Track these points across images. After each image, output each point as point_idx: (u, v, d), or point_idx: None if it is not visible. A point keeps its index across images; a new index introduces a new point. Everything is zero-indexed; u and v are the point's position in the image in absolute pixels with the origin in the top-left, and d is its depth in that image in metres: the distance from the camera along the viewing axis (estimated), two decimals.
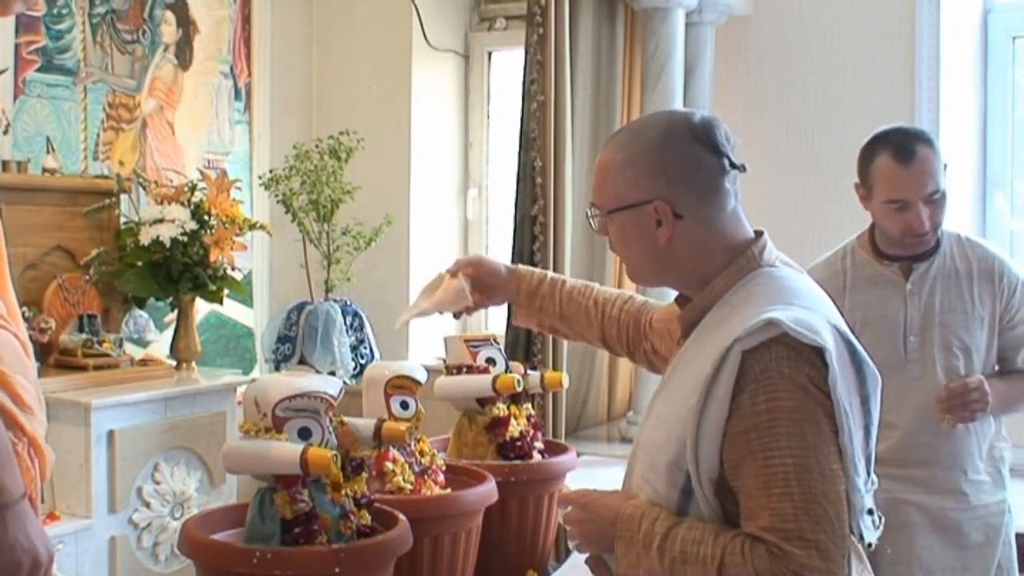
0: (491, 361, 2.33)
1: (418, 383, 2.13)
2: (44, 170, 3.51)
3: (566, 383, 2.53)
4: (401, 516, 1.79)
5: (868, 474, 1.53)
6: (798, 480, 1.41)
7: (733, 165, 1.60)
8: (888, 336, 2.50)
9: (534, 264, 3.72)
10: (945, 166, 2.46)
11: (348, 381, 3.81)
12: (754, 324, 1.45)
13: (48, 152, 3.63)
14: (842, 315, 1.57)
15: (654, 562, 1.49)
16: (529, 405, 2.36)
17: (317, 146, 4.00)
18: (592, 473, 1.83)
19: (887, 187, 2.43)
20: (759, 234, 1.64)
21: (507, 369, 2.32)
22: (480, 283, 2.02)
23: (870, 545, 1.55)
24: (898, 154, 2.41)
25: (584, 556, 1.68)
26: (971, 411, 2.45)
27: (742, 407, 1.45)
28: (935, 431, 2.49)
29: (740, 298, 1.57)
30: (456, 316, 2.11)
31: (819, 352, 1.45)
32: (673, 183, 1.57)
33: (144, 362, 3.60)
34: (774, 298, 1.53)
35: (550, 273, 2.08)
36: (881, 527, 1.58)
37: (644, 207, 1.58)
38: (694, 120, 1.60)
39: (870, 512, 1.53)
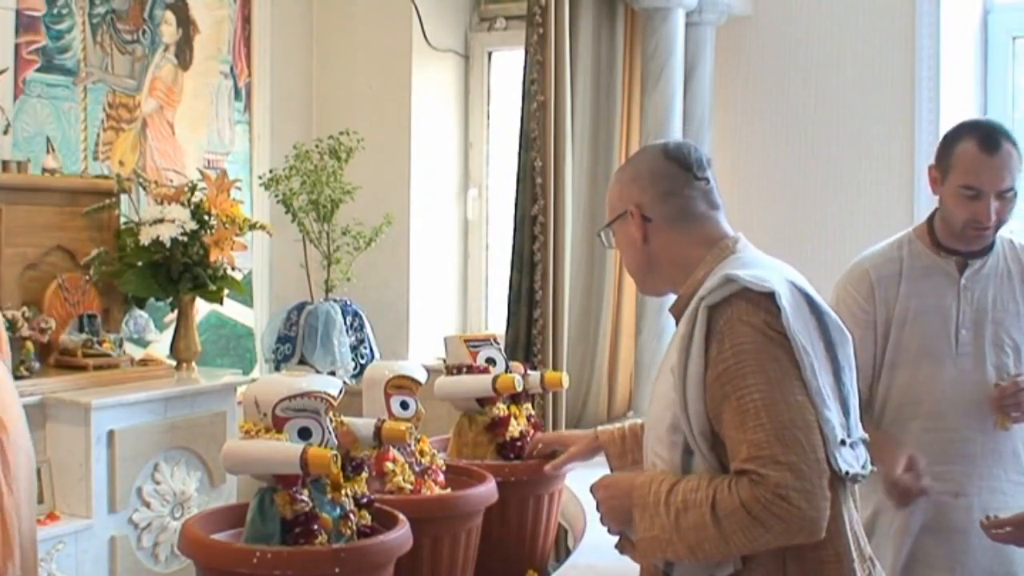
0: (491, 361, 2.33)
1: (418, 383, 2.14)
2: (44, 170, 3.51)
3: (566, 383, 2.54)
4: (401, 516, 1.79)
5: (846, 416, 1.68)
6: (767, 411, 1.58)
7: (697, 177, 1.80)
8: (940, 327, 2.49)
9: (534, 264, 3.73)
10: None
11: (348, 381, 3.81)
12: (714, 282, 1.67)
13: (48, 152, 3.63)
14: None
15: (663, 518, 1.64)
16: (529, 405, 2.37)
17: (317, 146, 4.00)
18: (592, 473, 1.83)
19: (965, 172, 2.43)
20: (736, 237, 1.83)
21: (507, 369, 2.32)
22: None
23: (847, 474, 1.64)
24: (983, 142, 2.42)
25: (601, 546, 1.78)
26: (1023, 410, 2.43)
27: (712, 357, 1.63)
28: (979, 427, 2.47)
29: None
30: None
31: (772, 298, 1.62)
32: (643, 191, 1.82)
33: (144, 362, 3.60)
34: (735, 267, 1.71)
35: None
36: (868, 466, 1.70)
37: (624, 216, 1.83)
38: (670, 143, 1.87)
39: (843, 443, 1.64)
